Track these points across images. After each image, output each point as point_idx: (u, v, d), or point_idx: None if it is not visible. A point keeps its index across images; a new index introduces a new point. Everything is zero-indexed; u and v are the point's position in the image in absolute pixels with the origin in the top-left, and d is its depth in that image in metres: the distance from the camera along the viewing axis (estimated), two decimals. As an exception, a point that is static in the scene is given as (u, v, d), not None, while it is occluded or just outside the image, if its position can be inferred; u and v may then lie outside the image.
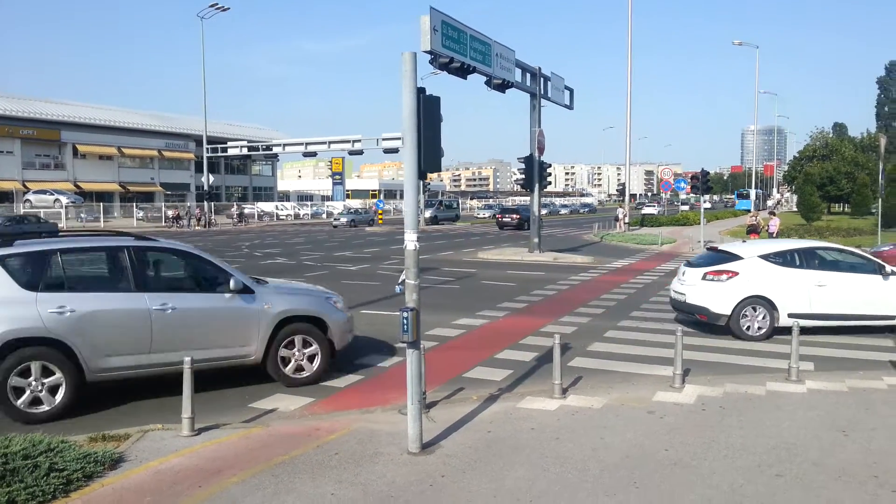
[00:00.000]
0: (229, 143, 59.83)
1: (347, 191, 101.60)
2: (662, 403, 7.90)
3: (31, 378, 7.37)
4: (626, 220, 44.86)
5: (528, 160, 27.44)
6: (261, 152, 60.97)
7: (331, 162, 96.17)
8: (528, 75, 27.55)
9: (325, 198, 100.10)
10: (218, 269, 8.86)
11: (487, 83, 24.36)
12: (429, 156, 6.42)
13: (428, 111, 6.40)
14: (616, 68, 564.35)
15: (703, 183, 33.67)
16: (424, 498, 5.40)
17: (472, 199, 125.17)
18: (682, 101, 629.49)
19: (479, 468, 6.00)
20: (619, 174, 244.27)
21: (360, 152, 54.29)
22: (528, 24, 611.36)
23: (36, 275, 7.72)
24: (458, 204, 75.49)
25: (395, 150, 50.59)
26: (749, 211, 51.14)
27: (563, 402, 7.91)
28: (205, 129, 55.48)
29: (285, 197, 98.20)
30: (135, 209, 58.42)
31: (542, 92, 28.31)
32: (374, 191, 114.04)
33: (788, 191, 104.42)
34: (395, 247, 32.76)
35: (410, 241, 6.33)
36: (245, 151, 59.27)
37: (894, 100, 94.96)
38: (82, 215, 54.31)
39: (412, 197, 6.41)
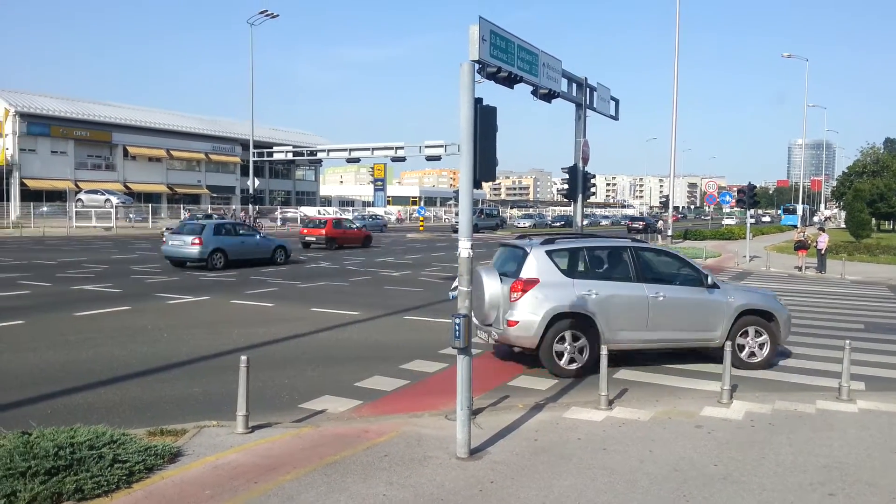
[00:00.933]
0: (274, 148, 60.57)
1: (388, 197, 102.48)
2: (710, 418, 7.85)
3: (566, 343, 9.73)
4: (670, 232, 44.32)
5: (572, 170, 27.30)
6: (305, 157, 61.62)
7: (372, 168, 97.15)
8: (575, 85, 27.48)
9: (365, 203, 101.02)
10: (693, 268, 10.78)
11: (534, 93, 24.34)
12: (484, 165, 6.53)
13: (484, 121, 6.52)
14: (660, 79, 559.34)
15: (749, 197, 33.17)
16: (475, 502, 5.48)
17: (511, 208, 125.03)
18: (728, 114, 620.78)
19: (527, 475, 6.05)
20: (661, 186, 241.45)
21: (402, 159, 54.25)
22: (571, 33, 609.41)
23: (571, 265, 10.22)
24: (498, 212, 75.53)
25: (438, 158, 50.57)
26: (796, 227, 50.21)
27: (609, 414, 7.92)
28: (251, 134, 56.32)
29: (327, 202, 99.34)
30: (182, 210, 59.67)
31: (588, 102, 28.20)
32: (415, 197, 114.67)
33: (837, 207, 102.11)
34: (436, 253, 32.96)
35: (464, 248, 6.42)
36: (290, 157, 59.77)
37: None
38: (131, 215, 55.70)
39: (467, 205, 6.50)
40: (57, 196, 59.55)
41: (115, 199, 54.25)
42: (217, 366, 9.98)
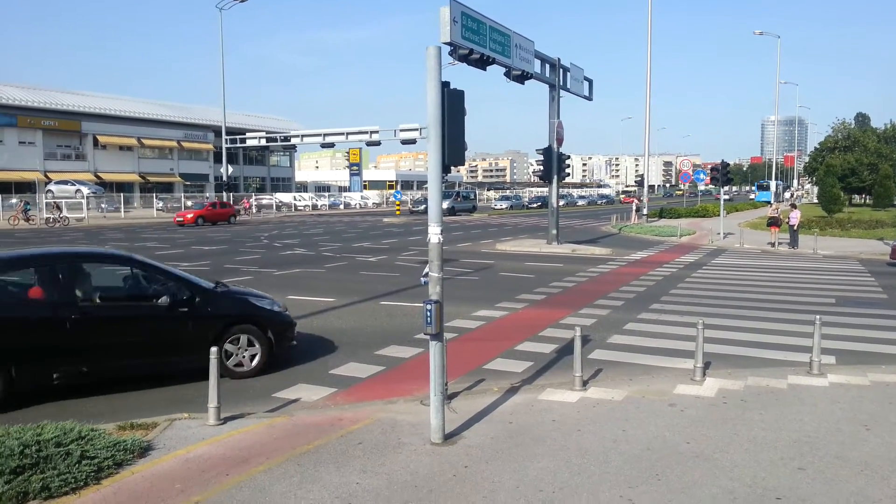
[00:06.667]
0: (248, 134, 59.93)
1: (364, 181, 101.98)
2: (683, 396, 7.91)
3: None
4: (645, 211, 44.56)
5: (547, 151, 27.36)
6: (279, 143, 61.08)
7: (348, 153, 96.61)
8: (548, 66, 27.45)
9: (342, 188, 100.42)
10: None
11: (507, 74, 24.29)
12: (453, 150, 6.46)
13: (452, 105, 6.44)
14: (635, 59, 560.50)
15: (723, 174, 33.42)
16: (448, 488, 5.47)
17: (488, 190, 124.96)
18: (702, 92, 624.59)
19: (501, 459, 6.06)
20: (636, 165, 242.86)
21: (377, 143, 54.07)
22: (546, 15, 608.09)
23: None
24: (475, 195, 75.44)
25: (413, 141, 50.41)
26: (769, 203, 50.72)
27: (583, 395, 7.95)
28: (223, 120, 55.73)
29: (303, 188, 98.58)
30: (154, 199, 58.96)
31: (562, 83, 28.19)
32: (391, 181, 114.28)
33: (809, 182, 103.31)
34: (413, 238, 32.86)
35: (434, 234, 6.37)
36: (263, 142, 59.23)
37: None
38: (103, 206, 54.92)
39: (436, 190, 6.44)
40: (27, 188, 58.55)
41: (85, 190, 53.39)
42: (190, 357, 9.85)
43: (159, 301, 8.45)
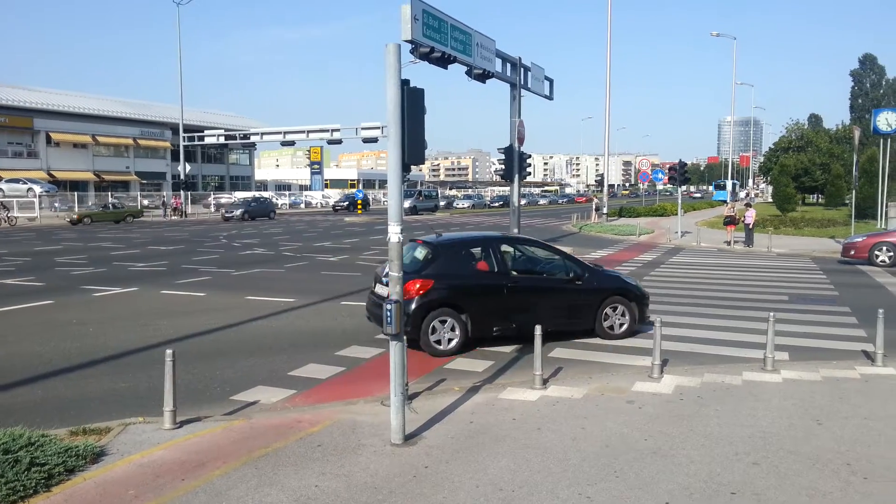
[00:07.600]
0: (206, 132, 59.24)
1: (326, 180, 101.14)
2: (641, 393, 8.00)
3: None
4: (605, 210, 45.02)
5: (508, 151, 27.43)
6: (238, 141, 60.56)
7: (309, 151, 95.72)
8: (509, 65, 27.53)
9: (303, 187, 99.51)
10: None
11: (468, 73, 24.30)
12: (413, 148, 6.42)
13: (412, 103, 6.41)
14: (595, 60, 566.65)
15: (680, 174, 33.96)
16: (408, 489, 5.44)
17: (451, 189, 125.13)
18: (660, 92, 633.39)
19: (461, 459, 6.05)
20: (597, 165, 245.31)
21: (338, 141, 54.00)
22: (507, 14, 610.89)
23: None
24: (437, 194, 75.44)
25: (374, 140, 50.40)
26: (726, 202, 51.71)
27: (543, 393, 7.99)
28: (181, 118, 54.84)
29: (263, 186, 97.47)
30: (110, 198, 57.66)
31: (523, 82, 28.31)
32: (353, 180, 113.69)
33: (764, 181, 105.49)
34: (375, 237, 32.71)
35: (394, 233, 6.33)
36: (222, 140, 58.87)
37: (867, 92, 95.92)
38: (56, 205, 53.53)
39: (396, 189, 6.40)
40: (-25, 186, 56.72)
41: (38, 188, 51.98)
42: (145, 359, 9.68)
43: (560, 275, 10.90)
